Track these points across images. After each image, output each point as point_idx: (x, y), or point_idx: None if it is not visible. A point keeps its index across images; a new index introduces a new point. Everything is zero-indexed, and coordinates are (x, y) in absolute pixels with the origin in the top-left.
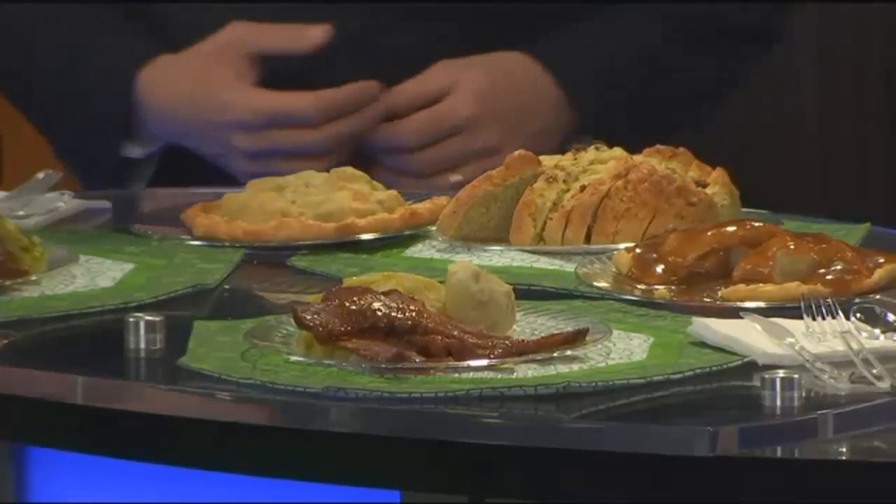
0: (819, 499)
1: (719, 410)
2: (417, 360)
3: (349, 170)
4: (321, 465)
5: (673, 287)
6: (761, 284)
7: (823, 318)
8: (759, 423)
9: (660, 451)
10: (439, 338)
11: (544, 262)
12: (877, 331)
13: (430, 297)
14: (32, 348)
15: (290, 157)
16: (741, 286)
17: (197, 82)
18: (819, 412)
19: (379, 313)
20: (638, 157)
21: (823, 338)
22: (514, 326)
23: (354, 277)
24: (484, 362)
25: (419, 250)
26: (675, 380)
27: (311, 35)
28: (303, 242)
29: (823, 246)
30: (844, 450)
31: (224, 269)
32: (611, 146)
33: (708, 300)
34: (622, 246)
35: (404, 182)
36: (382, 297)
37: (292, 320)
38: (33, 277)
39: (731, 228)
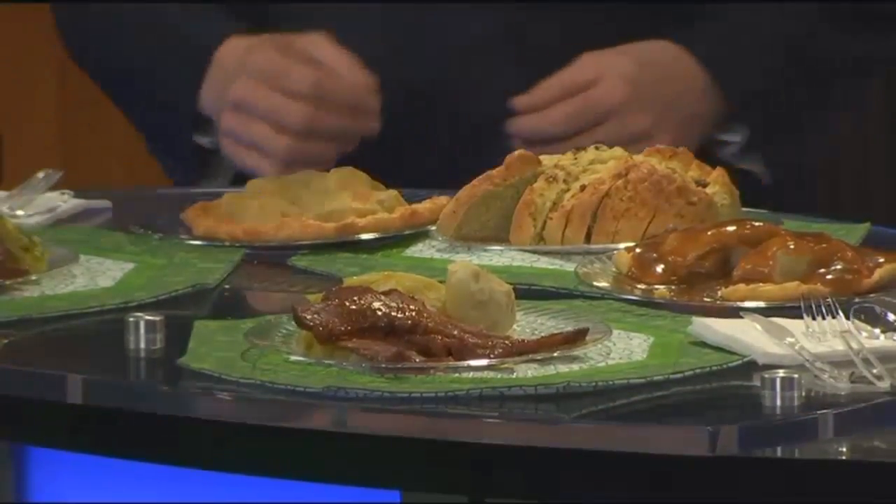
0: (819, 499)
1: (719, 410)
2: (417, 360)
3: (349, 170)
4: (321, 465)
5: (673, 287)
6: (761, 284)
7: (823, 318)
8: (759, 423)
9: (660, 451)
10: (439, 337)
11: (544, 262)
12: (877, 331)
13: (430, 296)
14: (32, 348)
15: (248, 146)
16: (741, 286)
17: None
18: (819, 412)
19: (379, 313)
20: (638, 157)
21: (823, 338)
22: (514, 326)
23: (354, 277)
24: (484, 362)
25: (419, 250)
26: (675, 380)
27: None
28: (303, 242)
29: (823, 246)
30: (844, 450)
31: (224, 269)
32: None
33: (708, 300)
34: (622, 246)
35: None
36: (382, 297)
37: (292, 320)
38: (33, 277)
39: (731, 228)
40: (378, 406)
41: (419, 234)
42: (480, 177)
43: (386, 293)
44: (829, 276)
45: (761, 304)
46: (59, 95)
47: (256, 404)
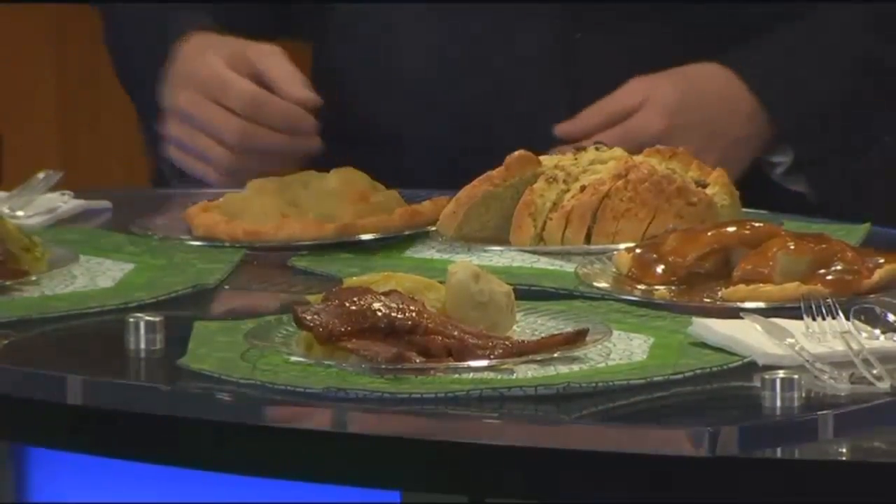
0: (819, 499)
1: (719, 410)
2: (417, 361)
3: (350, 170)
4: (321, 465)
5: (673, 287)
6: (761, 284)
7: (823, 319)
8: (759, 423)
9: (660, 451)
10: (439, 338)
11: (544, 263)
12: (877, 331)
13: (430, 297)
14: (32, 348)
15: (193, 157)
16: (741, 286)
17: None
18: (819, 412)
19: (379, 313)
20: (638, 157)
21: (823, 338)
22: (514, 327)
23: (354, 277)
24: (484, 363)
25: (419, 250)
26: (675, 380)
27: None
28: (303, 242)
29: (823, 246)
30: (844, 450)
31: (224, 269)
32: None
33: (708, 300)
34: (622, 246)
35: None
36: (382, 298)
37: (292, 320)
38: (33, 277)
39: (731, 228)
40: (378, 406)
41: (419, 235)
42: (480, 177)
43: (386, 294)
44: (829, 277)
45: (761, 304)
46: (59, 95)
47: (256, 404)
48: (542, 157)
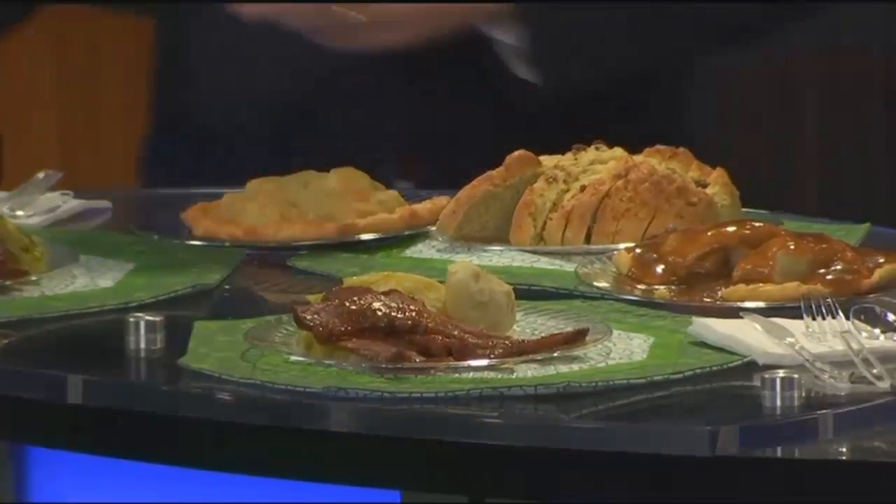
0: (819, 499)
1: (719, 410)
2: (417, 360)
3: (350, 170)
4: (321, 465)
5: (673, 287)
6: (761, 284)
7: (823, 318)
8: (759, 423)
9: (660, 451)
10: (439, 338)
11: (544, 262)
12: (877, 331)
13: (430, 297)
14: (32, 348)
15: None
16: (741, 286)
17: None
18: (819, 412)
19: (379, 313)
20: (638, 157)
21: (823, 338)
22: (514, 326)
23: (354, 277)
24: (484, 362)
25: (419, 250)
26: (675, 380)
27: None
28: (303, 242)
29: (823, 246)
30: (844, 450)
31: (224, 269)
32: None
33: (708, 300)
34: (622, 246)
35: None
36: (382, 297)
37: (292, 320)
38: (33, 277)
39: (731, 228)
40: (378, 406)
41: (419, 235)
42: (480, 177)
43: (386, 293)
44: (829, 277)
45: (761, 304)
46: (59, 95)
47: (256, 404)
48: (542, 158)
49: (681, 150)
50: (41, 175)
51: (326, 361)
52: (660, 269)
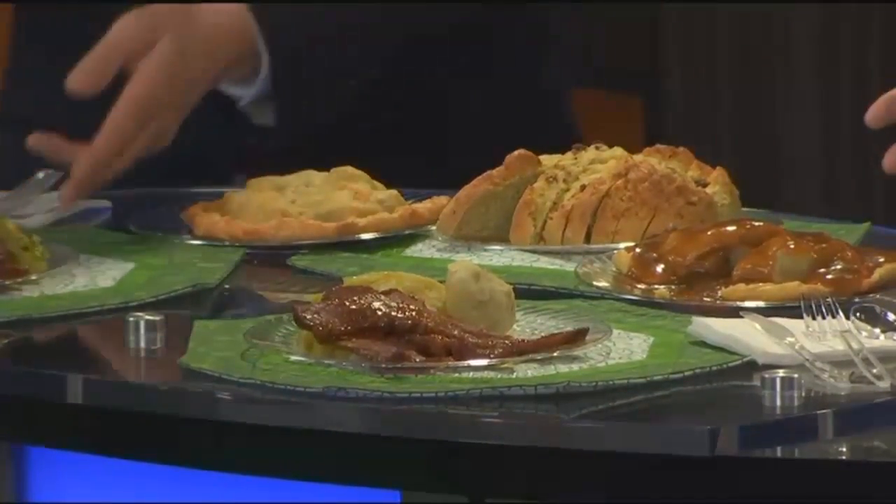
0: (819, 499)
1: (719, 410)
2: (417, 360)
3: (349, 169)
4: (321, 465)
5: (673, 287)
6: (761, 284)
7: (823, 318)
8: (759, 422)
9: (660, 451)
10: (439, 337)
11: (544, 262)
12: (877, 331)
13: (430, 296)
14: (32, 348)
15: None
16: (741, 286)
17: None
18: (819, 412)
19: (379, 313)
20: (638, 157)
21: (823, 337)
22: (514, 326)
23: (354, 277)
24: (484, 362)
25: (419, 250)
26: (675, 379)
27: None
28: (303, 242)
29: (823, 246)
30: (844, 450)
31: (224, 268)
32: None
33: (708, 300)
34: (622, 245)
35: None
36: (382, 297)
37: (292, 320)
38: (33, 277)
39: (731, 228)
40: (378, 406)
41: (419, 234)
42: (480, 177)
43: (386, 293)
44: (829, 276)
45: (761, 303)
46: None
47: (256, 404)
48: (542, 157)
49: (681, 149)
50: (41, 175)
51: (326, 361)
52: (660, 268)
